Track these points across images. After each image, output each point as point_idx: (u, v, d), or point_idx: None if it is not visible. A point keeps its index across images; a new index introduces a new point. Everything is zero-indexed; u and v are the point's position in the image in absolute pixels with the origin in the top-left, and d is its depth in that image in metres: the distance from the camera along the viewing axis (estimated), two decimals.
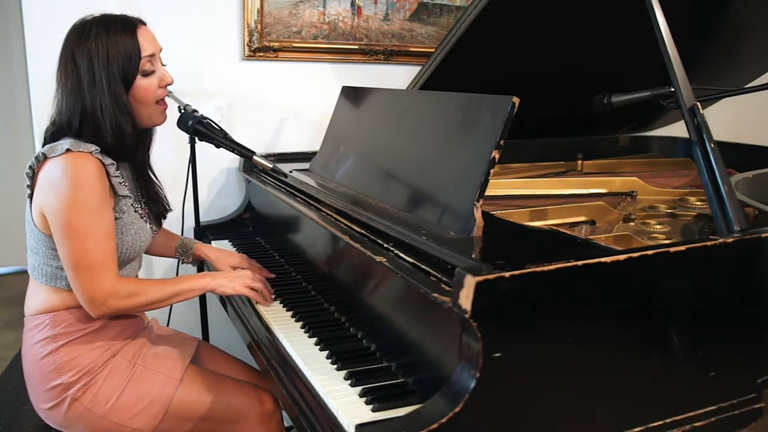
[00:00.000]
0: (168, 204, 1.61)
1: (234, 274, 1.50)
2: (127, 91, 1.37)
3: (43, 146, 1.39)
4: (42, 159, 1.32)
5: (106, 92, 1.33)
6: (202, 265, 1.84)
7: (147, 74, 1.38)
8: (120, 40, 1.35)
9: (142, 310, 1.43)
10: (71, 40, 1.36)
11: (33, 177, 1.34)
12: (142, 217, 1.47)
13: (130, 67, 1.35)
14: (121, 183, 1.40)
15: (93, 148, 1.32)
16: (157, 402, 1.38)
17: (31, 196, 1.36)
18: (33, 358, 1.39)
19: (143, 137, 1.48)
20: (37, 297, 1.41)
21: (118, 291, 1.33)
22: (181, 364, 1.46)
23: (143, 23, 1.41)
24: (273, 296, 1.52)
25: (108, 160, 1.35)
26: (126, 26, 1.36)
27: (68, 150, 1.29)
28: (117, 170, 1.39)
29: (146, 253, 1.70)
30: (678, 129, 2.36)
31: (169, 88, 1.46)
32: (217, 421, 1.45)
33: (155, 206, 1.55)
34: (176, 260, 1.98)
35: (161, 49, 1.44)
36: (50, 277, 1.38)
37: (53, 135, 1.38)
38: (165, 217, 1.61)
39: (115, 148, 1.37)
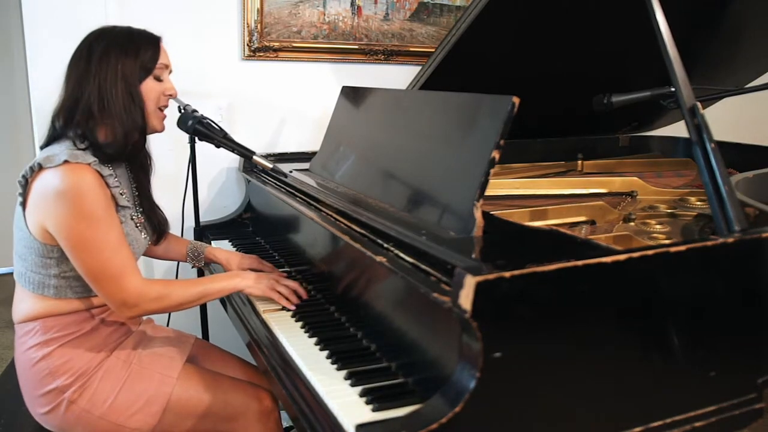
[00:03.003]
0: (167, 224, 1.62)
1: (263, 275, 1.48)
2: (140, 84, 1.38)
3: (41, 149, 1.39)
4: (37, 169, 1.29)
5: (119, 78, 1.34)
6: (201, 270, 1.83)
7: (158, 80, 1.41)
8: (143, 40, 1.39)
9: (172, 310, 1.43)
10: (91, 36, 1.39)
11: (26, 185, 1.32)
12: (137, 226, 1.47)
13: (147, 61, 1.38)
14: (121, 194, 1.39)
15: (91, 159, 1.30)
16: (154, 401, 1.38)
17: (23, 204, 1.33)
18: (26, 364, 1.38)
19: (143, 141, 1.47)
20: (24, 304, 1.39)
21: (146, 293, 1.33)
22: (177, 362, 1.46)
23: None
24: (299, 301, 1.47)
25: (106, 171, 1.34)
26: (150, 34, 1.42)
27: (66, 161, 1.26)
28: (116, 179, 1.39)
29: (155, 257, 1.70)
30: (678, 129, 2.36)
31: None
32: (215, 419, 1.45)
33: (158, 225, 1.55)
34: (174, 263, 1.98)
35: (171, 71, 1.47)
36: (38, 285, 1.37)
37: (52, 137, 1.38)
38: (163, 235, 1.61)
39: (118, 142, 1.37)
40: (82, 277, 1.33)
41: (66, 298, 1.38)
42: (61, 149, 1.30)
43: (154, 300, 1.34)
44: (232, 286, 1.45)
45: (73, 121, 1.35)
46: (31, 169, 1.30)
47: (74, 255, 1.30)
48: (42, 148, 1.40)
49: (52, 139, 1.39)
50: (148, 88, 1.39)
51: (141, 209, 1.51)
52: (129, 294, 1.31)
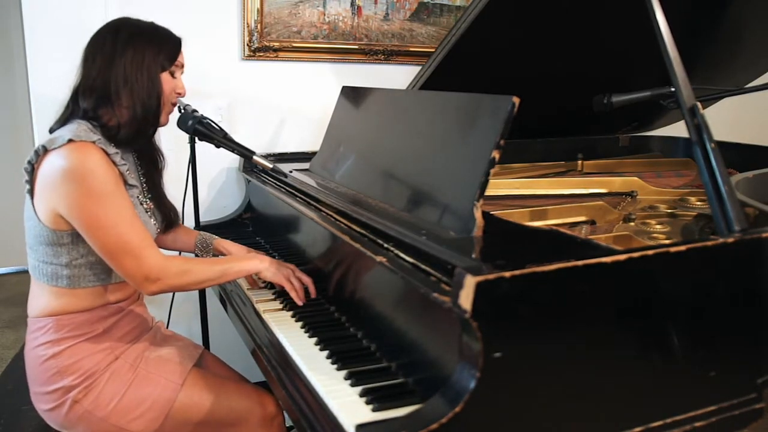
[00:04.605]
0: (178, 216, 1.63)
1: (280, 262, 1.48)
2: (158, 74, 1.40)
3: (51, 132, 1.38)
4: (42, 152, 1.28)
5: (144, 64, 1.37)
6: None
7: (172, 76, 1.44)
8: (166, 36, 1.43)
9: (193, 288, 1.42)
10: (115, 22, 1.41)
11: (32, 172, 1.31)
12: (146, 211, 1.47)
13: (167, 57, 1.41)
14: (128, 172, 1.39)
15: (96, 137, 1.30)
16: (157, 405, 1.38)
17: (31, 191, 1.33)
18: (35, 360, 1.38)
19: (153, 131, 1.48)
20: (39, 299, 1.39)
21: (168, 267, 1.32)
22: (183, 367, 1.45)
23: None
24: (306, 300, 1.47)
25: (111, 150, 1.34)
26: (173, 34, 1.46)
27: (70, 141, 1.26)
28: (122, 160, 1.38)
29: (163, 247, 1.70)
30: (678, 129, 2.36)
31: None
32: (218, 424, 1.44)
33: (168, 215, 1.56)
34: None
35: (183, 73, 1.50)
36: (51, 277, 1.36)
37: (64, 118, 1.38)
38: (173, 227, 1.62)
39: (135, 122, 1.38)
40: (101, 257, 1.31)
41: (81, 288, 1.36)
42: (65, 131, 1.30)
43: (176, 275, 1.33)
44: (251, 266, 1.44)
45: (97, 100, 1.36)
46: (36, 153, 1.29)
47: (90, 234, 1.28)
48: (51, 132, 1.39)
49: (64, 120, 1.38)
50: (164, 80, 1.42)
51: (150, 196, 1.51)
52: (150, 268, 1.30)
